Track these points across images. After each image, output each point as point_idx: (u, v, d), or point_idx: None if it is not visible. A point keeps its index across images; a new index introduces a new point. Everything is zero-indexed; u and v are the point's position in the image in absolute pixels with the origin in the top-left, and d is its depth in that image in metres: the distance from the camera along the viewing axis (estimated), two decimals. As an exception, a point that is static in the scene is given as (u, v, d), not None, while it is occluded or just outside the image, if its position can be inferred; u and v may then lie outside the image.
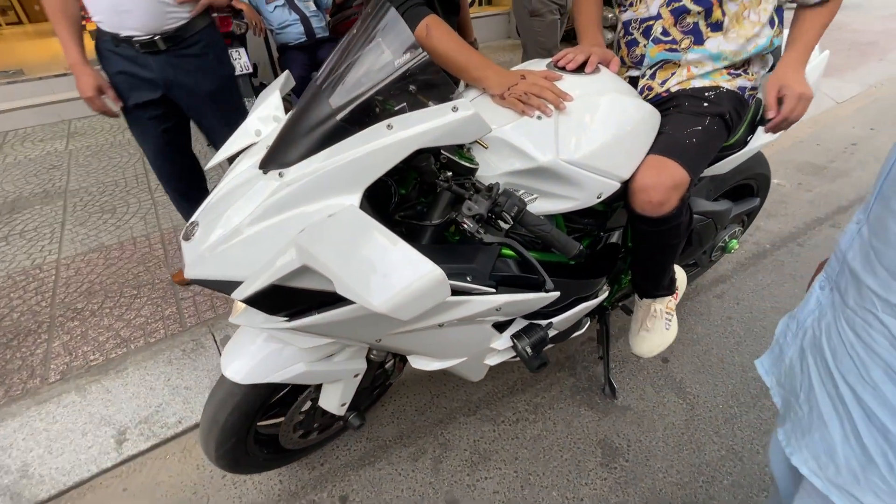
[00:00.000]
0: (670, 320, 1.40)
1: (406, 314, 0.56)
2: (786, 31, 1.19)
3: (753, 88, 1.18)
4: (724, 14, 1.04)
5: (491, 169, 0.93)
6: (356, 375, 1.05)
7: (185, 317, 1.83)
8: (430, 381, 1.61)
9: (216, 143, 1.69)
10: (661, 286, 1.30)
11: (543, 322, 1.04)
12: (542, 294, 0.88)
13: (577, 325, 1.32)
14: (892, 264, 0.46)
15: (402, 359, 1.29)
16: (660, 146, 1.03)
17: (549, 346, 1.27)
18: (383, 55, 0.76)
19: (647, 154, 1.03)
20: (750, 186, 1.69)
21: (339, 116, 0.74)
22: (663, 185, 0.99)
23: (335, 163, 0.73)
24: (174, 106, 1.60)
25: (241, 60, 2.67)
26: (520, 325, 1.05)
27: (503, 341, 1.02)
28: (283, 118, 0.91)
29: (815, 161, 2.95)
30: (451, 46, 1.00)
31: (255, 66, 2.90)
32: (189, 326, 1.79)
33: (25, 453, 1.39)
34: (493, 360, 1.09)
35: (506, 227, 0.83)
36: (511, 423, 1.49)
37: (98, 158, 3.11)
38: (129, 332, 1.77)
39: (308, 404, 1.18)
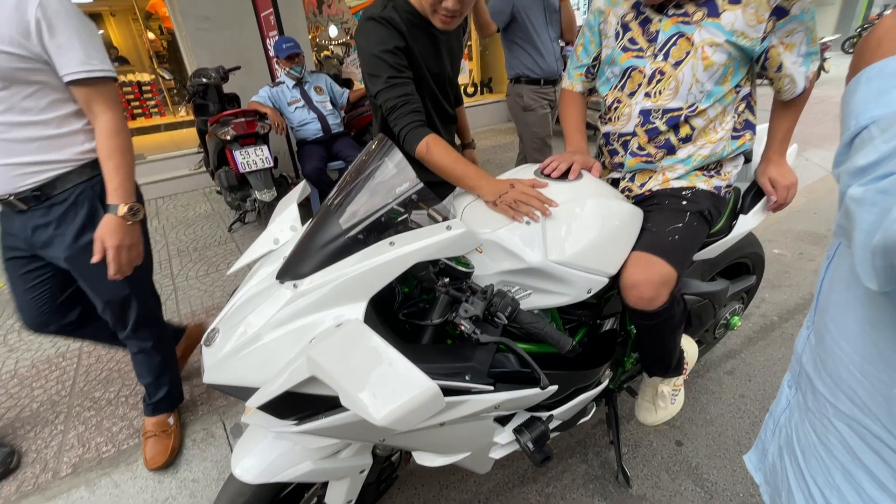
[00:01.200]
0: (676, 395, 1.46)
1: (403, 426, 0.61)
2: (760, 126, 1.31)
3: (728, 186, 1.28)
4: (692, 129, 1.16)
5: (486, 269, 1.01)
6: (362, 471, 1.07)
7: (198, 404, 1.86)
8: (439, 471, 1.58)
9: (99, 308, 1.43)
10: (669, 368, 1.35)
11: (545, 415, 1.06)
12: (539, 390, 0.91)
13: (583, 411, 1.32)
14: (833, 372, 0.48)
15: (408, 451, 1.29)
16: (645, 243, 1.11)
17: (556, 434, 1.27)
18: (385, 183, 0.88)
19: (633, 250, 1.10)
20: (745, 265, 1.75)
21: (348, 235, 0.85)
22: (652, 281, 1.05)
23: (343, 276, 0.81)
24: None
25: (262, 156, 2.94)
26: (522, 417, 1.06)
27: (506, 435, 1.04)
28: (300, 228, 1.03)
29: (814, 230, 3.01)
30: (449, 162, 1.13)
31: (275, 159, 3.17)
32: (201, 415, 1.81)
33: (30, 555, 1.37)
34: (497, 454, 1.09)
35: (501, 324, 0.90)
36: (523, 517, 1.44)
37: (126, 245, 3.31)
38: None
39: (314, 500, 1.18)
